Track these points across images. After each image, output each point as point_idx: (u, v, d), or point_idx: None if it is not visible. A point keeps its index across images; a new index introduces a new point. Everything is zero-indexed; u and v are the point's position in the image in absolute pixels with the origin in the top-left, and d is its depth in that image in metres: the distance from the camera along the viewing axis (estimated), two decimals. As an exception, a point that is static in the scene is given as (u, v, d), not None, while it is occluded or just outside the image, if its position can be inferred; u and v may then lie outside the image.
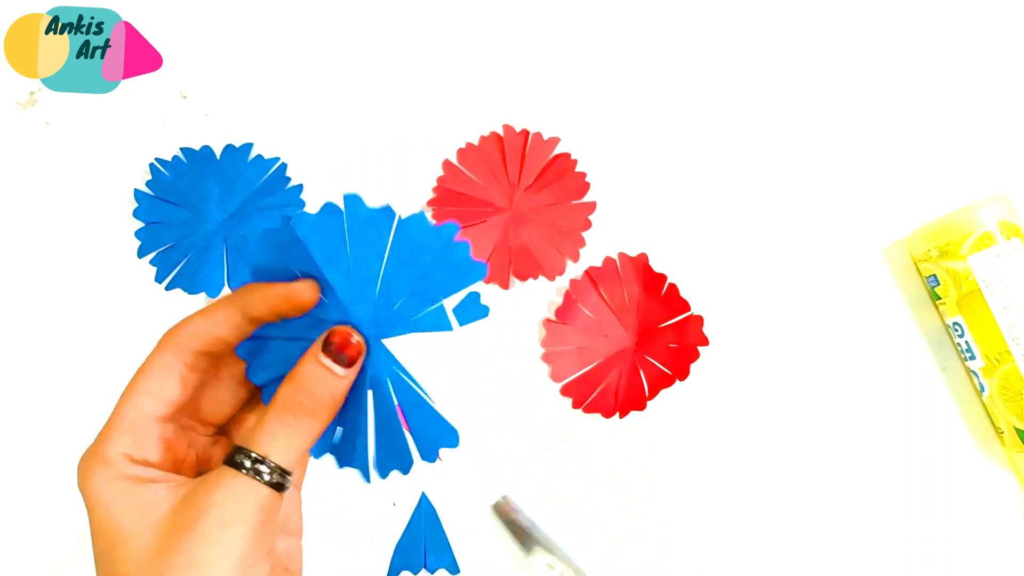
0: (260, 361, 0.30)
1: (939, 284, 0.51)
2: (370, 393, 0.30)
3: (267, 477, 0.27)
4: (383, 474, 0.31)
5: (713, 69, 0.58)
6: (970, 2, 0.58)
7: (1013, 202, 0.51)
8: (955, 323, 0.51)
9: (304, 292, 0.29)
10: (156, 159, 0.56)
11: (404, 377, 0.30)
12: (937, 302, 0.53)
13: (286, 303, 0.29)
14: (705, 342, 0.52)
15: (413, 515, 0.51)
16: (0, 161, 0.57)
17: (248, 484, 0.27)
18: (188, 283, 0.54)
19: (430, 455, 0.31)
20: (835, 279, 0.55)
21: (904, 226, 0.55)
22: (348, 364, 0.29)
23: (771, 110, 0.57)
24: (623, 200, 0.56)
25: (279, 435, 0.28)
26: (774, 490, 0.53)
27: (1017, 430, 0.49)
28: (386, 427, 0.31)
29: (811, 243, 0.56)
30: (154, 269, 0.54)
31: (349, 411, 0.30)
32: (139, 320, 0.54)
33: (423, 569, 0.51)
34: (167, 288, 0.54)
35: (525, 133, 0.55)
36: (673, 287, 0.53)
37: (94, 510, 0.28)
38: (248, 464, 0.27)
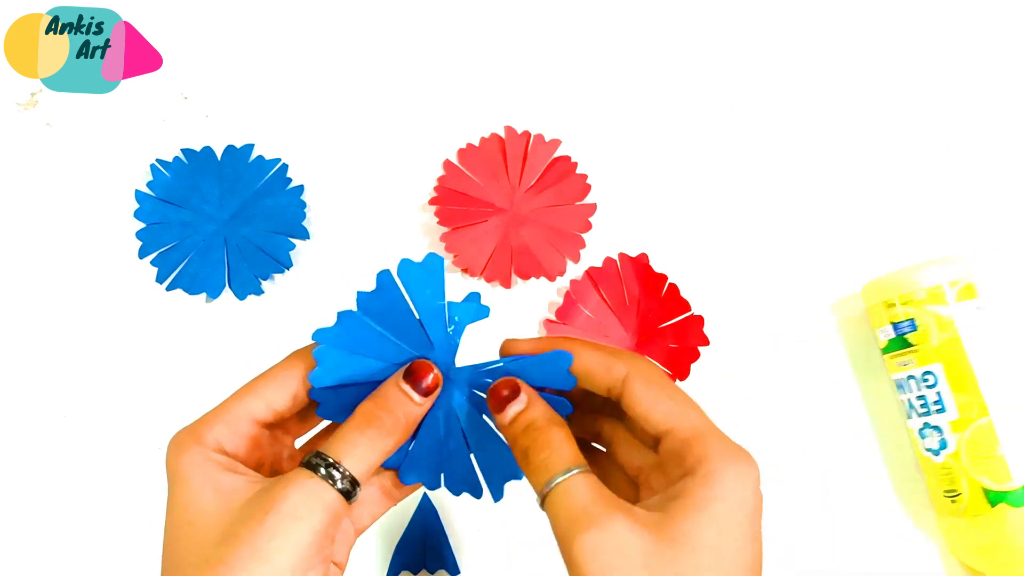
0: (332, 401, 0.32)
1: (916, 330, 0.49)
2: (446, 421, 0.33)
3: (339, 484, 0.29)
4: (456, 491, 0.34)
5: (712, 72, 0.58)
6: (919, 62, 0.58)
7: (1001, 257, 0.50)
8: (927, 372, 0.49)
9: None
10: (157, 160, 0.56)
11: (480, 413, 0.33)
12: (906, 350, 0.50)
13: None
14: (705, 342, 0.52)
15: (413, 515, 0.52)
16: (1, 162, 0.57)
17: (320, 485, 0.28)
18: (189, 284, 0.54)
19: (498, 489, 0.33)
20: (834, 279, 0.55)
21: (862, 275, 0.53)
22: (425, 394, 0.31)
23: (771, 111, 0.58)
24: (623, 201, 0.56)
25: (356, 445, 0.29)
26: (773, 489, 0.53)
27: (984, 489, 0.47)
28: (458, 455, 0.33)
29: (811, 243, 0.56)
30: (155, 270, 0.54)
31: (424, 434, 0.33)
32: (140, 321, 0.54)
33: (423, 569, 0.51)
34: (168, 289, 0.54)
35: (527, 135, 0.55)
36: (673, 287, 0.53)
37: (177, 485, 0.29)
38: (323, 468, 0.29)
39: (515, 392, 0.31)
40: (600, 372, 0.31)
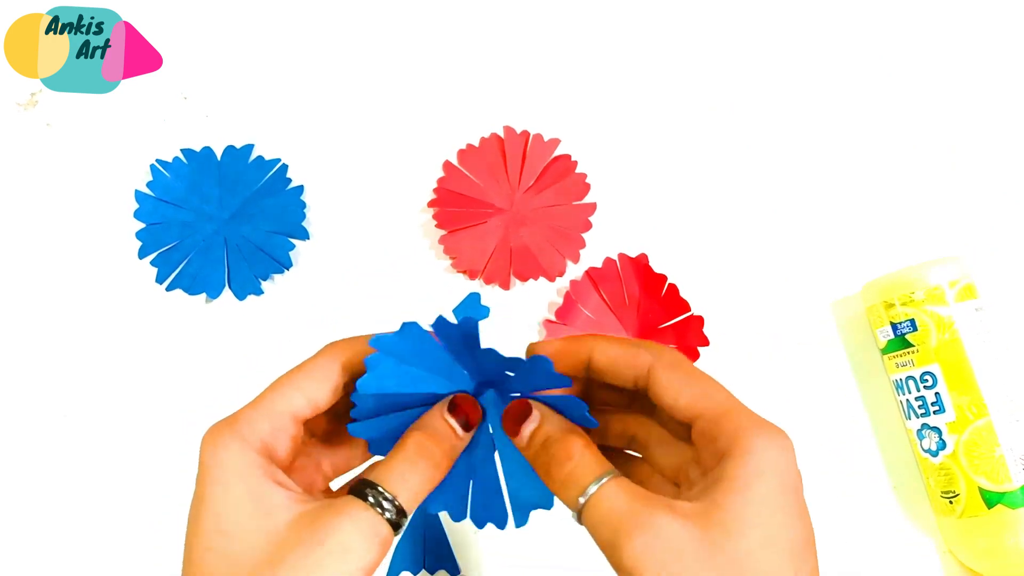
0: (369, 410, 0.31)
1: (916, 330, 0.49)
2: (475, 448, 0.33)
3: (388, 515, 0.28)
4: (479, 524, 0.33)
5: (712, 72, 0.58)
6: (919, 62, 0.58)
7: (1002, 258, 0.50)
8: (926, 373, 0.49)
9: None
10: (157, 160, 0.56)
11: (510, 443, 0.32)
12: (905, 350, 0.50)
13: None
14: (705, 342, 0.53)
15: (413, 515, 0.51)
16: (1, 162, 0.57)
17: (374, 518, 0.27)
18: (189, 284, 0.54)
19: (523, 517, 0.33)
20: (834, 279, 0.55)
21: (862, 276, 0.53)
22: (466, 429, 0.31)
23: (771, 111, 0.58)
24: (623, 201, 0.56)
25: (408, 477, 0.29)
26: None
27: (982, 490, 0.47)
28: (487, 483, 0.33)
29: (811, 243, 0.56)
30: (155, 270, 0.54)
31: (457, 464, 0.32)
32: (140, 321, 0.54)
33: (423, 569, 0.51)
34: (168, 289, 0.54)
35: (526, 134, 0.55)
36: (673, 288, 0.53)
37: (214, 487, 0.28)
38: (373, 499, 0.28)
39: (527, 412, 0.30)
40: (624, 363, 0.31)
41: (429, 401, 0.32)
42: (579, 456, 0.29)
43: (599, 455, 0.29)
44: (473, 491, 0.33)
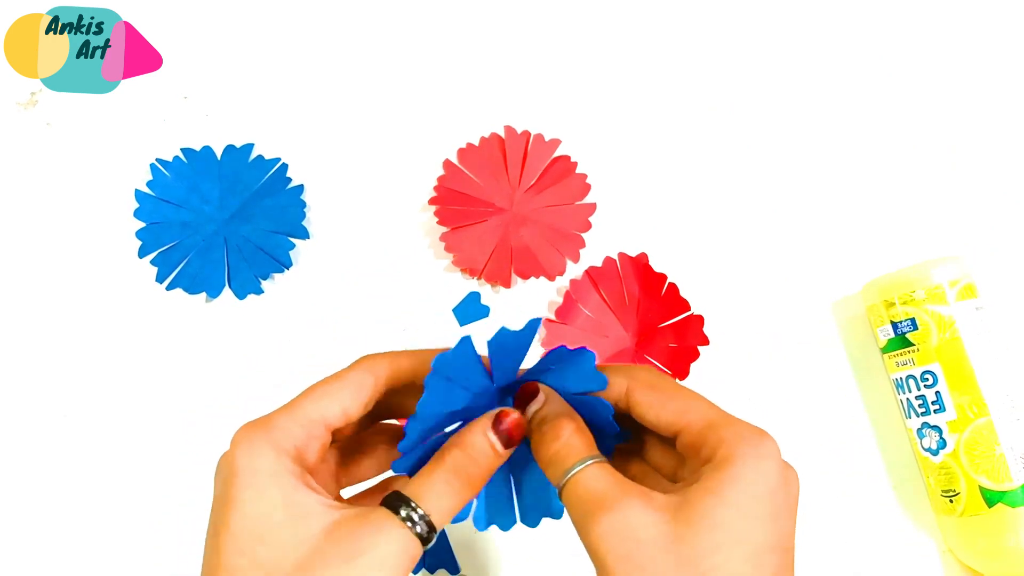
0: (411, 454, 0.31)
1: (916, 329, 0.49)
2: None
3: (419, 530, 0.28)
4: (481, 526, 0.33)
5: (712, 72, 0.58)
6: (919, 62, 0.58)
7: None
8: (926, 372, 0.49)
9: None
10: (157, 159, 0.56)
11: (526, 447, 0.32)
12: (905, 349, 0.50)
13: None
14: (705, 341, 0.53)
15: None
16: (1, 162, 0.57)
17: (407, 534, 0.27)
18: (189, 283, 0.54)
19: (534, 519, 0.33)
20: (834, 279, 0.55)
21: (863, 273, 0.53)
22: (508, 446, 0.31)
23: (771, 111, 0.58)
24: (623, 201, 0.56)
25: (443, 494, 0.29)
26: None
27: (982, 489, 0.47)
28: (497, 486, 0.33)
29: (811, 243, 0.56)
30: (155, 269, 0.54)
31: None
32: (140, 320, 0.54)
33: (423, 569, 0.51)
34: (168, 288, 0.54)
35: (526, 134, 0.55)
36: (673, 287, 0.53)
37: (247, 491, 0.27)
38: (405, 513, 0.28)
39: (535, 392, 0.31)
40: (611, 379, 0.31)
41: (461, 419, 0.31)
42: (568, 437, 0.30)
43: (589, 440, 0.30)
44: (485, 491, 0.33)
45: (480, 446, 0.30)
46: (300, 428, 0.29)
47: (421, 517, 0.28)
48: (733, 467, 0.27)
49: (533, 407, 0.31)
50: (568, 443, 0.30)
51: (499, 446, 0.30)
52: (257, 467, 0.27)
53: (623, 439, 0.33)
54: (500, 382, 0.31)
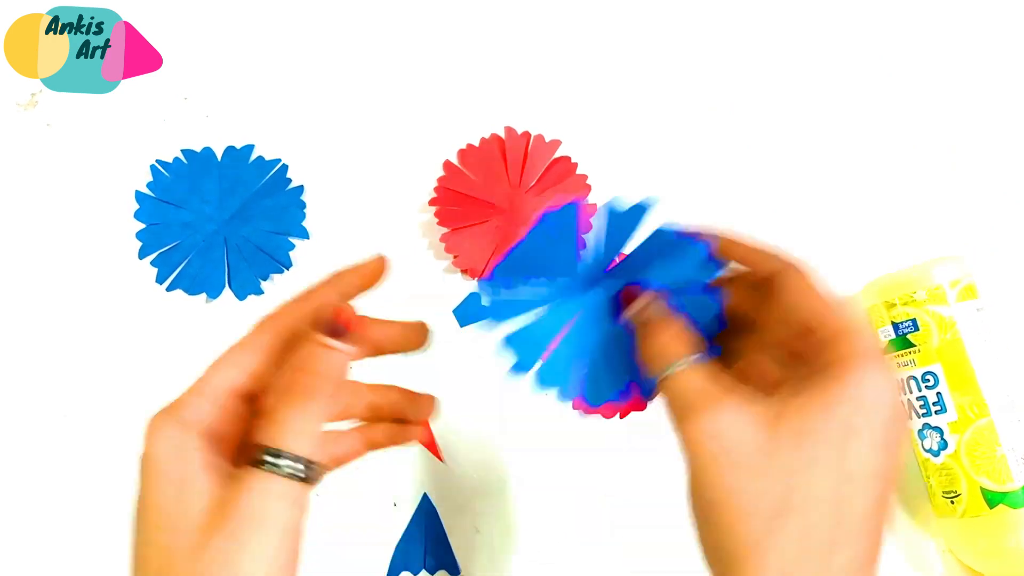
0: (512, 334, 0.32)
1: (917, 330, 0.49)
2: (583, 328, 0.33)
3: (288, 471, 0.27)
4: (539, 389, 0.33)
5: (712, 72, 0.58)
6: (919, 62, 0.58)
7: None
8: (927, 373, 0.49)
9: (378, 266, 0.33)
10: (157, 160, 0.56)
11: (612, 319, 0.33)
12: (907, 350, 0.50)
13: (374, 277, 0.33)
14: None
15: (413, 515, 0.52)
16: (1, 162, 0.57)
17: (279, 482, 0.27)
18: (189, 284, 0.54)
19: (599, 399, 0.33)
20: (834, 279, 0.55)
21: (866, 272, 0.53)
22: (339, 334, 0.30)
23: (771, 111, 0.58)
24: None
25: (291, 423, 0.28)
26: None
27: (983, 490, 0.47)
28: (566, 359, 0.33)
29: (811, 243, 0.56)
30: (155, 270, 0.54)
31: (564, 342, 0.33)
32: (140, 321, 0.54)
33: (423, 569, 0.51)
34: (168, 289, 0.54)
35: (527, 135, 0.55)
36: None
37: (151, 480, 0.28)
38: (268, 463, 0.27)
39: (640, 292, 0.32)
40: (763, 257, 0.31)
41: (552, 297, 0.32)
42: (676, 333, 0.30)
43: (694, 340, 0.30)
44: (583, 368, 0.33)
45: (314, 355, 0.29)
46: (206, 401, 0.29)
47: (286, 457, 0.27)
48: (850, 388, 0.26)
49: (637, 305, 0.31)
50: (677, 338, 0.30)
51: (339, 344, 0.30)
52: (156, 454, 0.28)
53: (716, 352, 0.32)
54: (589, 267, 0.32)
